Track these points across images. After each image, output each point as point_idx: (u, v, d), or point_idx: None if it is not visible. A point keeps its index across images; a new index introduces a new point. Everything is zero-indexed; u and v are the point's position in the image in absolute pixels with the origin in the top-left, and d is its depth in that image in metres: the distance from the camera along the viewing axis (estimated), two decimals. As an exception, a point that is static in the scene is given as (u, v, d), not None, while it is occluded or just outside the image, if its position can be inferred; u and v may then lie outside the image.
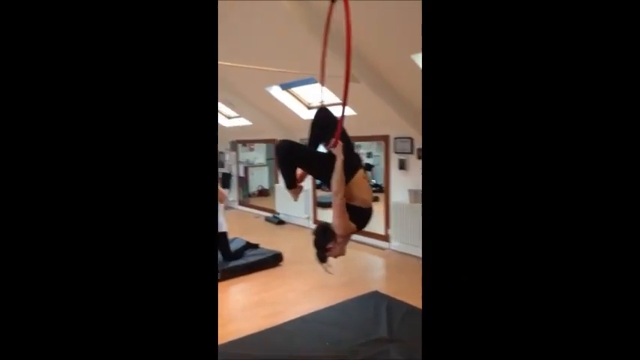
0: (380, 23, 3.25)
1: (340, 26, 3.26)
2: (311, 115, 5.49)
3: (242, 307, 3.49)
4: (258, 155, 9.13)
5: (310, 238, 2.16)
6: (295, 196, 2.29)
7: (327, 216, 4.91)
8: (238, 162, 8.40)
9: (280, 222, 6.75)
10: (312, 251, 2.14)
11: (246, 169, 8.70)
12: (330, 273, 2.20)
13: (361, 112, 4.63)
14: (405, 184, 4.81)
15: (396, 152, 4.91)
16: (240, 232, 5.31)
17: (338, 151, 1.97)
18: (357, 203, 2.05)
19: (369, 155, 8.87)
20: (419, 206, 4.57)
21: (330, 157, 2.01)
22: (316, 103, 5.46)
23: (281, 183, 6.81)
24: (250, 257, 4.49)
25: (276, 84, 5.34)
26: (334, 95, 4.66)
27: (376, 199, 4.42)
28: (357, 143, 5.27)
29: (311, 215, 6.35)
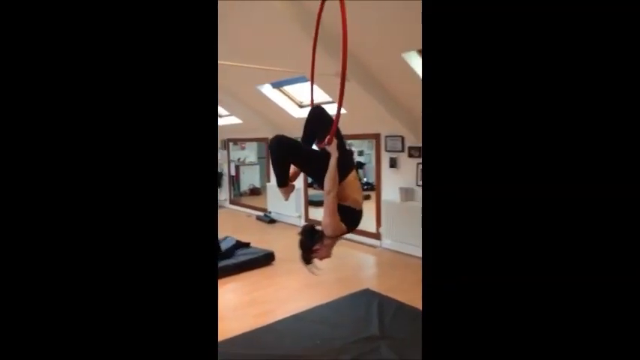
0: (371, 22, 3.25)
1: (330, 25, 3.26)
2: (302, 113, 5.49)
3: (234, 307, 3.48)
4: (250, 154, 9.10)
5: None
6: (286, 195, 2.24)
7: (319, 215, 4.92)
8: (229, 161, 8.36)
9: (272, 221, 6.74)
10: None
11: (237, 168, 8.67)
12: (315, 275, 2.15)
13: (352, 111, 4.64)
14: (396, 182, 4.82)
15: (387, 150, 4.92)
16: (232, 231, 5.29)
17: (333, 149, 1.93)
18: (348, 204, 2.02)
19: (361, 153, 8.88)
20: (410, 204, 4.60)
21: (324, 155, 1.97)
22: (308, 101, 5.45)
23: (272, 182, 6.81)
24: (242, 256, 4.48)
25: (267, 82, 5.33)
26: (324, 93, 4.66)
27: (367, 197, 4.44)
28: (348, 141, 5.28)
29: (302, 214, 6.35)
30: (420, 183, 4.56)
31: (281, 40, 3.99)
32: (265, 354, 2.64)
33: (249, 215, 7.36)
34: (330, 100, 4.76)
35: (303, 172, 2.29)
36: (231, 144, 8.31)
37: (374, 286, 3.76)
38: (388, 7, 3.03)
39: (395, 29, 3.30)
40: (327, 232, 1.99)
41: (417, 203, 4.54)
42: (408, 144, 4.67)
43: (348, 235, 2.31)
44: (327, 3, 1.96)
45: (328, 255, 2.08)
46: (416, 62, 3.66)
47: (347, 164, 2.03)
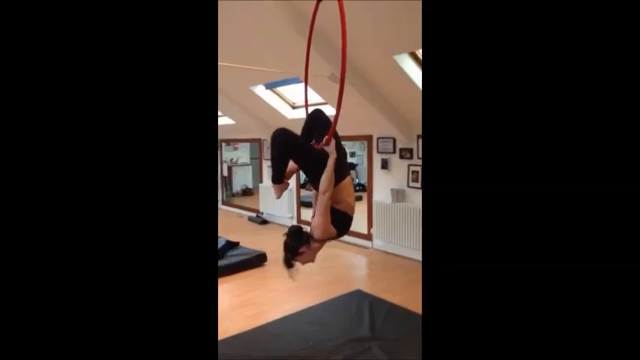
0: (363, 24, 3.27)
1: (323, 26, 3.26)
2: (295, 114, 5.49)
3: (226, 308, 3.47)
4: (242, 154, 9.07)
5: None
6: (279, 192, 2.16)
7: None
8: (222, 161, 8.34)
9: (264, 222, 6.73)
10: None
11: (229, 169, 8.64)
12: (294, 280, 2.09)
13: (345, 112, 4.59)
14: (388, 184, 4.85)
15: (379, 152, 4.95)
16: (223, 232, 5.27)
17: (331, 149, 1.93)
18: (341, 207, 2.00)
19: (353, 155, 8.90)
20: (401, 205, 4.62)
21: (323, 155, 1.95)
22: (300, 102, 5.46)
23: (265, 183, 6.80)
24: (234, 258, 4.46)
25: (260, 83, 5.33)
26: (316, 94, 4.67)
27: (360, 199, 4.44)
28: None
29: (295, 215, 6.35)
30: (411, 184, 4.59)
31: (274, 42, 4.00)
32: (258, 355, 2.65)
33: (241, 216, 7.34)
34: (323, 101, 4.77)
35: (302, 169, 2.22)
36: (223, 144, 8.28)
37: (365, 287, 3.77)
38: (381, 9, 3.05)
39: (387, 31, 3.32)
40: (316, 233, 1.96)
41: (408, 204, 4.57)
42: (399, 145, 4.69)
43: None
44: (322, 4, 1.97)
45: (312, 259, 2.03)
46: (408, 65, 3.69)
47: (343, 168, 2.03)
